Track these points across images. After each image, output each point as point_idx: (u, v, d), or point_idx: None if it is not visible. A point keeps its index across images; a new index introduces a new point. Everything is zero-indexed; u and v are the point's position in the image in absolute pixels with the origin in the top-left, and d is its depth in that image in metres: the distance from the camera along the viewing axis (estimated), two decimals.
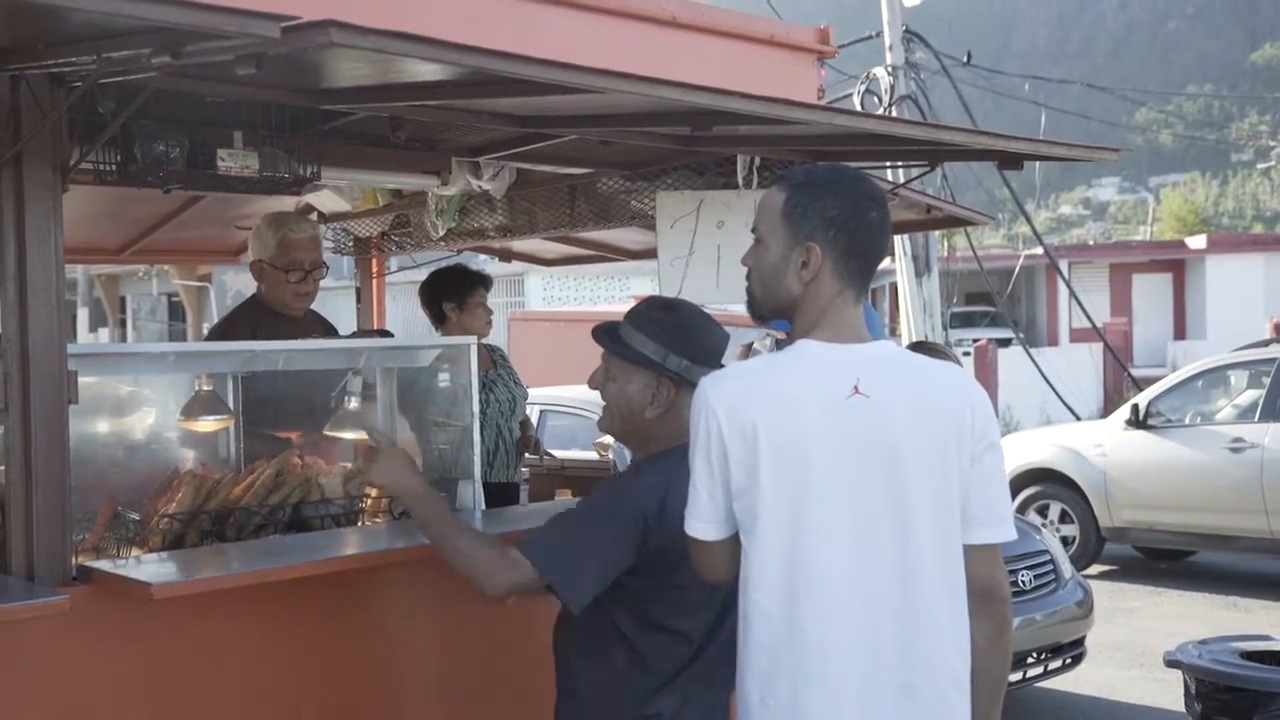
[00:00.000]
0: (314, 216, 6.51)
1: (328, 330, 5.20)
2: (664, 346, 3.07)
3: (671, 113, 3.98)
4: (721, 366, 3.08)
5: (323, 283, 5.05)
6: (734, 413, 2.42)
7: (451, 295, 5.70)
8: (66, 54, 2.98)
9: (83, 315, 30.83)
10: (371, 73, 3.55)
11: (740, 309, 3.58)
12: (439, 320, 5.75)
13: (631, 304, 3.42)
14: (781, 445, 2.39)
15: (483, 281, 5.78)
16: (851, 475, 2.40)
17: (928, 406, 2.45)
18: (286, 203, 5.98)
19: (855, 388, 2.41)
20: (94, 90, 3.24)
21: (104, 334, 31.62)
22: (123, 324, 33.24)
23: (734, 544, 2.50)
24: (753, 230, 2.59)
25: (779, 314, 2.57)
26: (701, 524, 2.51)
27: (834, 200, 2.48)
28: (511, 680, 4.15)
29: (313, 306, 5.13)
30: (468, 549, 3.05)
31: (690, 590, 2.91)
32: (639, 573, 2.96)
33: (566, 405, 8.67)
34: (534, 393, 6.19)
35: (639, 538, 2.93)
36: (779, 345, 2.74)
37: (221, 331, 5.20)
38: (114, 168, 3.99)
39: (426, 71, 3.41)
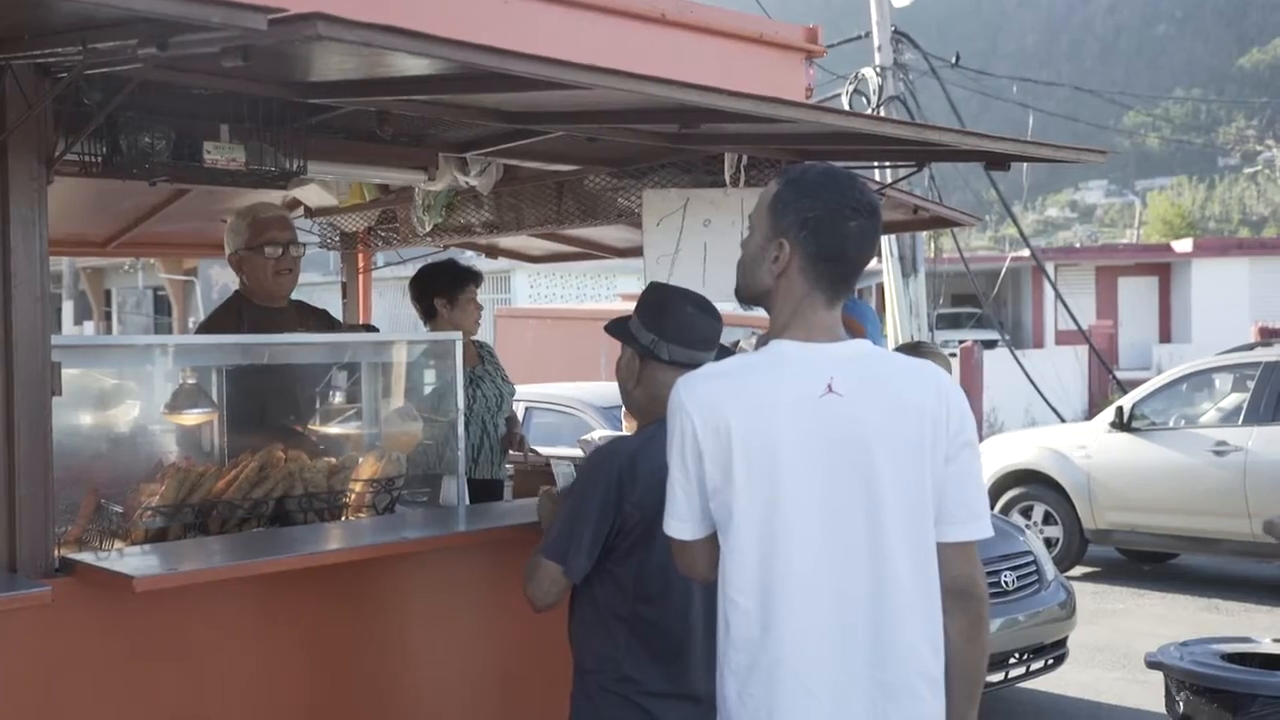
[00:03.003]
0: (300, 210, 6.50)
1: (324, 321, 5.17)
2: (639, 321, 3.22)
3: (659, 110, 3.98)
4: (703, 349, 3.18)
5: (309, 278, 5.05)
6: (707, 412, 2.43)
7: (444, 290, 5.60)
8: (53, 44, 2.97)
9: (68, 308, 30.69)
10: (359, 66, 3.54)
11: (728, 307, 3.59)
12: (429, 315, 5.65)
13: (618, 302, 3.50)
14: (755, 444, 2.40)
15: (475, 278, 5.70)
16: (824, 473, 2.40)
17: (902, 405, 2.45)
18: (272, 196, 5.97)
19: (829, 386, 2.41)
20: (80, 81, 3.23)
21: (89, 327, 31.50)
22: (108, 317, 33.10)
23: (712, 543, 2.50)
24: (750, 216, 2.62)
25: (756, 302, 2.60)
26: (679, 523, 2.52)
27: (814, 202, 2.48)
28: (500, 672, 4.15)
29: (303, 300, 5.11)
30: (529, 564, 3.22)
31: (658, 554, 3.01)
32: (619, 534, 3.11)
33: (552, 402, 8.65)
34: (519, 390, 6.17)
35: (616, 496, 3.09)
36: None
37: (207, 329, 5.18)
38: (100, 159, 3.98)
39: (414, 66, 3.40)
